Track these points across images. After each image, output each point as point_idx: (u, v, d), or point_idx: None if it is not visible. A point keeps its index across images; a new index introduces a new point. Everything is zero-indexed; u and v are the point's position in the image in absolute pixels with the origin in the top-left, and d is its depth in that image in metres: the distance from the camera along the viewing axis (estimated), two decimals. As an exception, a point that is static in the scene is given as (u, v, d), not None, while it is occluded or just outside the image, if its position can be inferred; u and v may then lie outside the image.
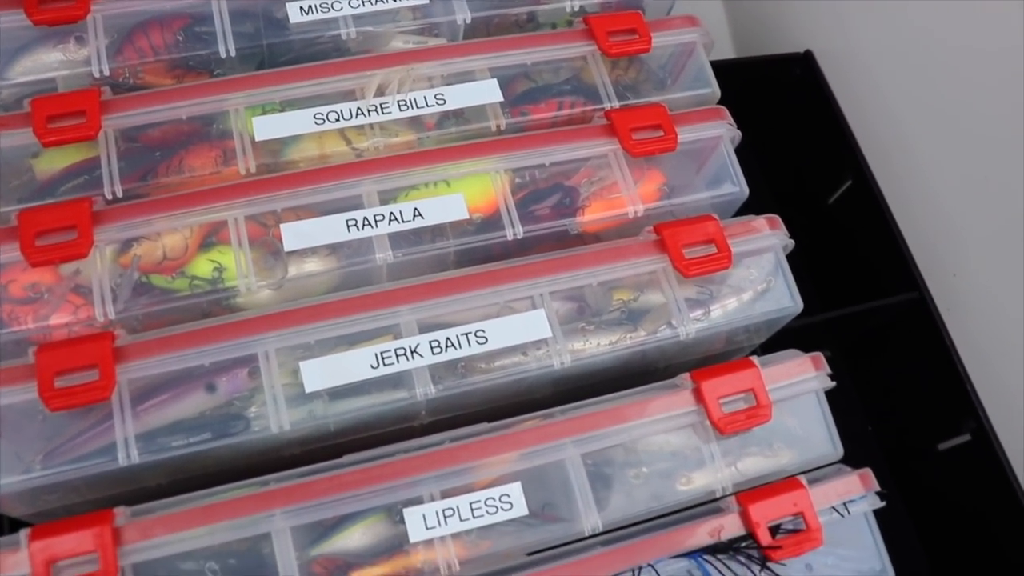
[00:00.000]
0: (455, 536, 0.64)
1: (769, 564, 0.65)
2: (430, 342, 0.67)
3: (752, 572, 0.66)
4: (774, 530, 0.66)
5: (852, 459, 0.72)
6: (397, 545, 0.64)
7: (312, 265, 0.71)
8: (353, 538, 0.65)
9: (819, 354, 0.72)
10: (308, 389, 0.66)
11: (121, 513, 0.61)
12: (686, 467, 0.68)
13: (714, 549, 0.65)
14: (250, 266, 0.69)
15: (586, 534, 0.65)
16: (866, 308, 0.95)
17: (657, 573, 0.64)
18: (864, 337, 1.05)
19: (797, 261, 0.76)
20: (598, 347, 0.71)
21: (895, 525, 0.85)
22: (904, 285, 0.96)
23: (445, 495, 0.64)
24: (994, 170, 0.91)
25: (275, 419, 0.65)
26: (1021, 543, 0.90)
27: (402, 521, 0.64)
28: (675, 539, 0.65)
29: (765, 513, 0.66)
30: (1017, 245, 0.92)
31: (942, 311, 0.96)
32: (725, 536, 0.65)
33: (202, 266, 0.70)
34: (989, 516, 0.94)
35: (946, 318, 0.96)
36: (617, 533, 0.66)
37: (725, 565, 0.65)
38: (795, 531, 0.66)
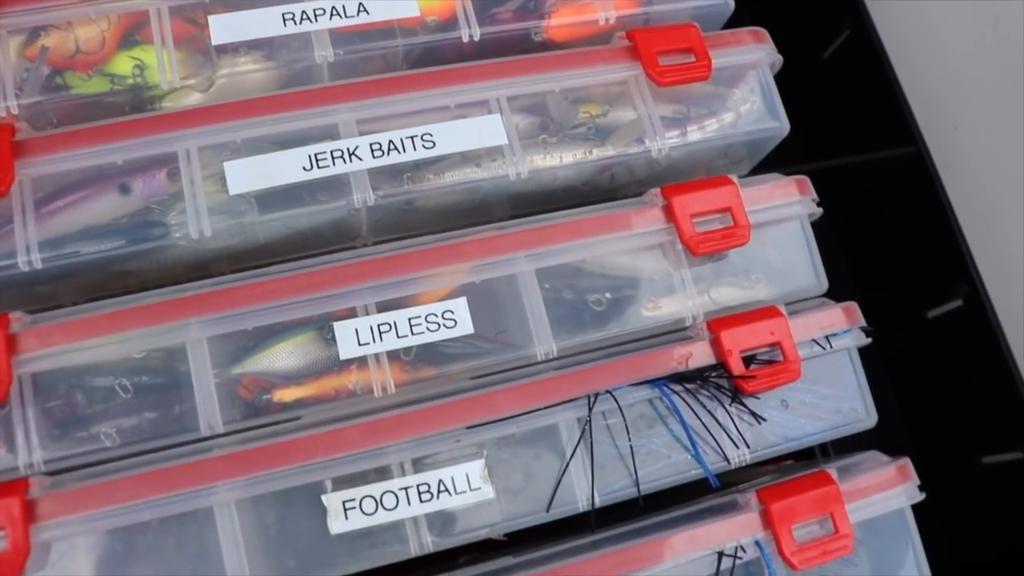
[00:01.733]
0: (391, 356, 0.57)
1: (741, 397, 0.59)
2: (370, 144, 0.60)
3: (722, 405, 0.59)
4: (748, 361, 0.60)
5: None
6: (327, 364, 0.57)
7: (245, 65, 0.63)
8: (279, 357, 0.58)
9: (804, 177, 0.65)
10: (232, 191, 0.59)
11: (18, 319, 0.54)
12: (653, 292, 0.61)
13: (680, 378, 0.58)
14: (174, 63, 0.61)
15: (539, 359, 0.59)
16: (857, 161, 0.88)
17: (616, 401, 0.57)
18: (854, 198, 0.98)
19: (790, 115, 0.69)
20: (560, 160, 0.63)
21: (877, 394, 0.80)
22: (900, 139, 0.89)
23: (381, 308, 0.57)
24: (1004, 10, 0.83)
25: (195, 224, 0.58)
26: (1007, 410, 0.85)
27: (334, 339, 0.57)
28: (637, 365, 0.58)
29: (739, 341, 0.59)
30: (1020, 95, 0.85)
31: (940, 167, 0.89)
32: (693, 364, 0.59)
33: (122, 64, 0.63)
34: (976, 383, 0.88)
35: (943, 175, 0.88)
36: (573, 358, 0.59)
37: (693, 396, 0.59)
38: (771, 362, 0.60)
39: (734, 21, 0.72)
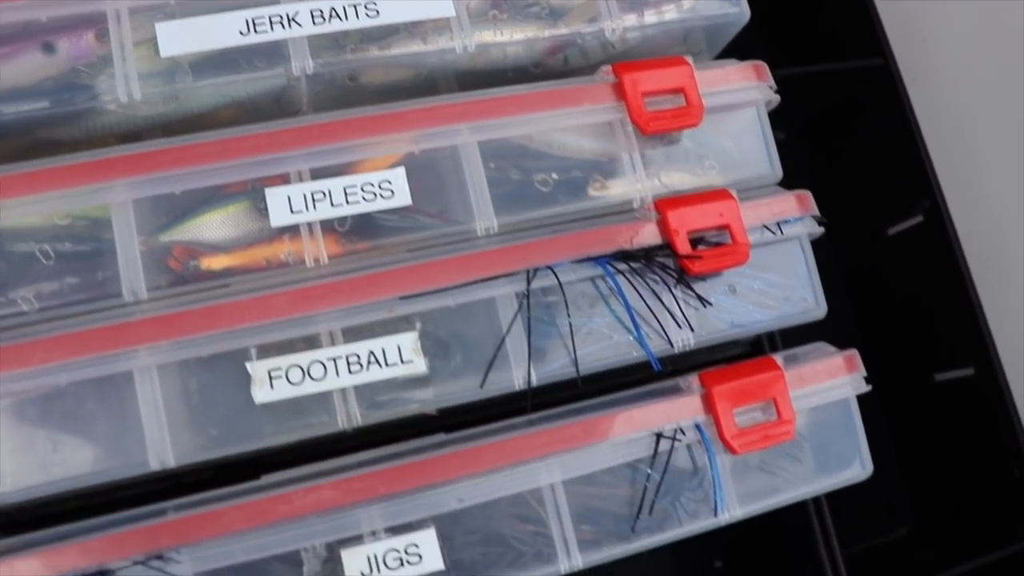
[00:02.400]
0: (325, 226, 0.55)
1: (687, 278, 0.57)
2: (311, 10, 0.58)
3: (668, 287, 0.58)
4: (696, 243, 0.58)
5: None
6: (259, 234, 0.55)
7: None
8: (209, 226, 0.56)
9: (762, 63, 0.63)
10: (164, 53, 0.56)
11: (-73, 175, 0.52)
12: (601, 173, 0.60)
13: (625, 256, 0.57)
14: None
15: (479, 235, 0.57)
16: (823, 70, 0.86)
17: (556, 277, 0.55)
18: (820, 111, 0.96)
19: (757, 19, 0.66)
20: (511, 38, 0.61)
21: (833, 309, 0.79)
22: (868, 50, 0.87)
23: (316, 176, 0.55)
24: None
25: (124, 87, 0.55)
26: (961, 327, 0.84)
27: (266, 210, 0.55)
28: (580, 241, 0.56)
29: (686, 221, 0.58)
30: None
31: (907, 81, 0.87)
32: (638, 243, 0.57)
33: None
34: (932, 300, 0.87)
35: (910, 89, 0.87)
36: (515, 235, 0.57)
37: (638, 276, 0.57)
38: (719, 245, 0.58)
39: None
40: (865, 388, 0.60)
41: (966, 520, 0.89)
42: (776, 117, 0.65)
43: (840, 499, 0.79)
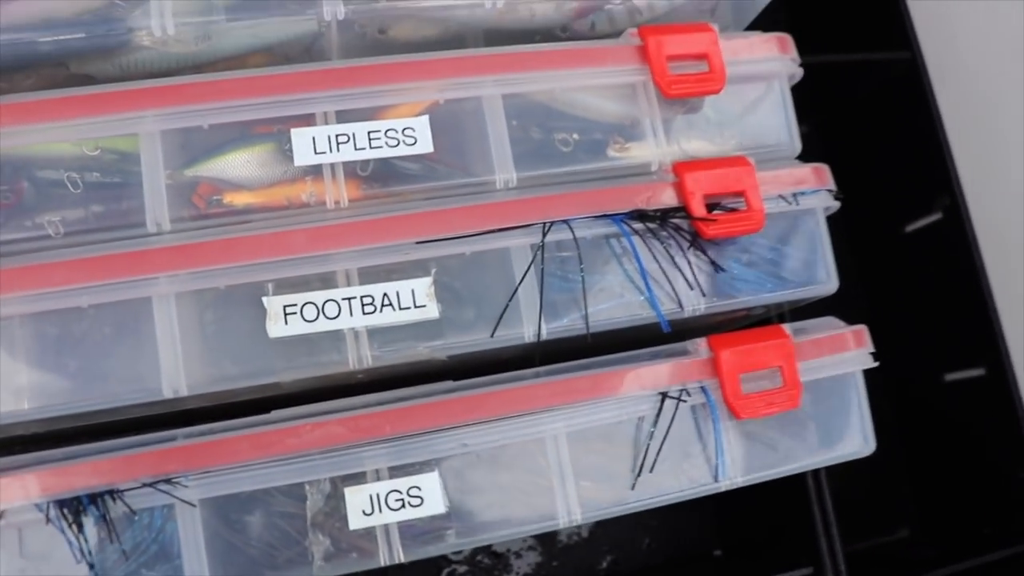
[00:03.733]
0: (348, 169, 0.56)
1: (701, 242, 0.58)
2: (345, -43, 0.58)
3: (681, 250, 0.58)
4: (712, 208, 0.58)
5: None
6: (282, 174, 0.56)
7: None
8: (235, 164, 0.57)
9: (786, 35, 0.63)
10: (195, -19, 0.57)
11: (-32, 95, 0.53)
12: (622, 135, 0.60)
13: (640, 216, 0.57)
14: None
15: (498, 187, 0.57)
16: (848, 60, 0.86)
17: (572, 231, 0.56)
18: (843, 110, 0.96)
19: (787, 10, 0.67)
20: (540, -4, 0.62)
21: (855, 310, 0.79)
22: (896, 43, 0.87)
23: (341, 119, 0.56)
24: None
25: (158, 21, 0.57)
26: (974, 329, 0.84)
27: (291, 152, 0.56)
28: (596, 198, 0.57)
29: (702, 184, 0.58)
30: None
31: (933, 78, 0.87)
32: (654, 205, 0.58)
33: None
34: (945, 301, 0.88)
35: (936, 85, 0.87)
36: (533, 190, 0.58)
37: (653, 236, 0.57)
38: (734, 210, 0.58)
39: None
40: (872, 364, 0.60)
41: (969, 520, 0.89)
42: (800, 109, 0.66)
43: (845, 495, 0.80)
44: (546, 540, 0.82)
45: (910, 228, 0.91)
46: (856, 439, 0.60)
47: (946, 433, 0.92)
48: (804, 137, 0.66)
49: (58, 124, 0.53)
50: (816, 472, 0.73)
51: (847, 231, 0.96)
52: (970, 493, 0.89)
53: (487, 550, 0.81)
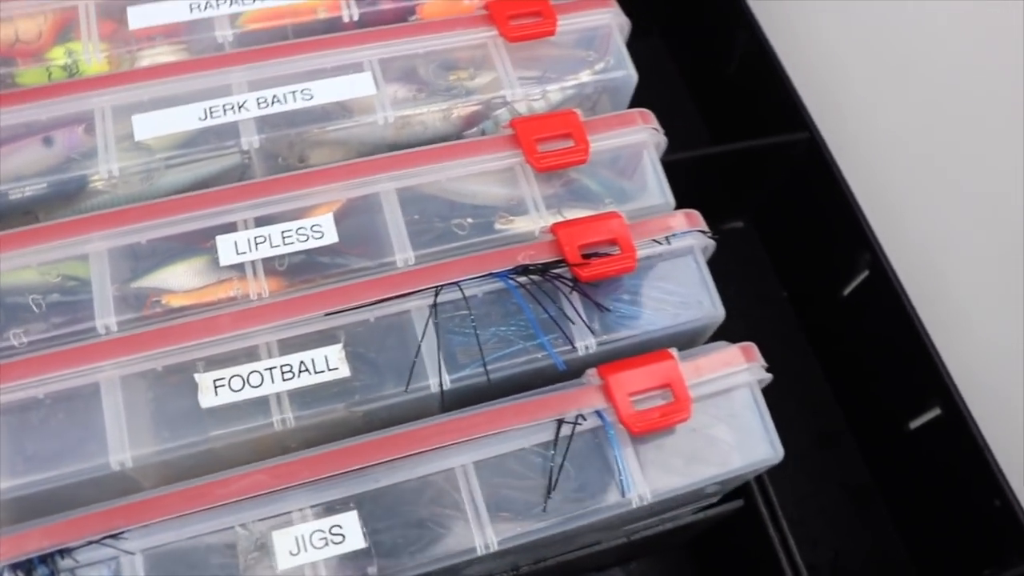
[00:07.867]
0: (267, 266, 0.65)
1: (581, 285, 0.65)
2: (257, 98, 0.70)
3: (566, 297, 0.65)
4: (588, 257, 0.66)
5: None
6: (213, 277, 0.65)
7: (161, 52, 0.75)
8: (175, 273, 0.67)
9: (648, 111, 0.73)
10: (138, 137, 0.69)
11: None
12: (507, 211, 0.69)
13: (525, 270, 0.65)
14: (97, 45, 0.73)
15: (398, 266, 0.66)
16: (757, 145, 0.95)
17: (462, 290, 0.64)
18: (767, 203, 1.04)
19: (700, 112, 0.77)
20: (428, 111, 0.72)
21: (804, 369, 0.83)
22: (794, 125, 0.96)
23: (260, 224, 0.66)
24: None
25: (105, 165, 0.68)
26: (921, 371, 0.88)
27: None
28: (483, 260, 0.65)
29: (576, 236, 0.66)
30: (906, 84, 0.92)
31: (834, 150, 0.95)
32: (537, 260, 0.65)
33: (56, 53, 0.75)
34: (890, 352, 0.92)
35: (838, 157, 0.95)
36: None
37: (537, 287, 0.65)
38: (608, 255, 0.66)
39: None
40: (767, 377, 0.65)
41: (967, 566, 0.89)
42: (731, 206, 0.74)
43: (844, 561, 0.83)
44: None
45: (846, 291, 0.97)
46: (763, 447, 0.64)
47: (922, 479, 0.94)
48: (740, 233, 0.73)
49: (20, 252, 0.63)
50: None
51: (792, 302, 1.02)
52: (960, 536, 0.90)
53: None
